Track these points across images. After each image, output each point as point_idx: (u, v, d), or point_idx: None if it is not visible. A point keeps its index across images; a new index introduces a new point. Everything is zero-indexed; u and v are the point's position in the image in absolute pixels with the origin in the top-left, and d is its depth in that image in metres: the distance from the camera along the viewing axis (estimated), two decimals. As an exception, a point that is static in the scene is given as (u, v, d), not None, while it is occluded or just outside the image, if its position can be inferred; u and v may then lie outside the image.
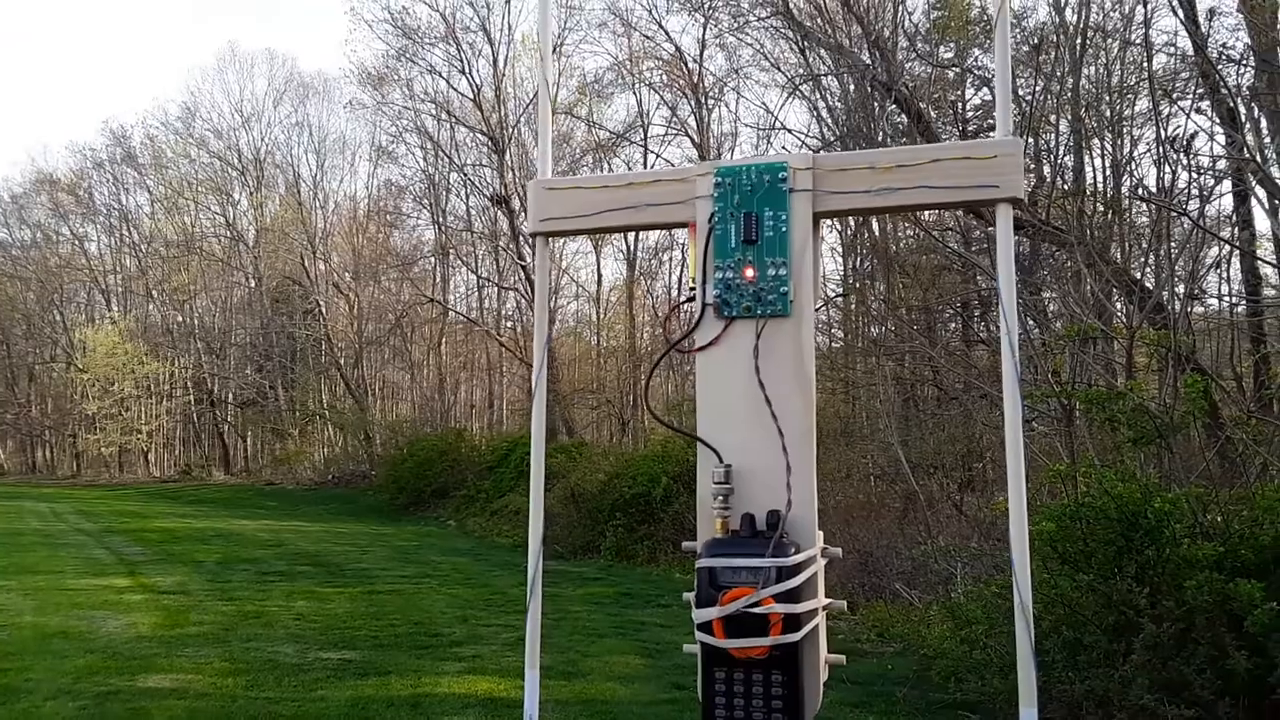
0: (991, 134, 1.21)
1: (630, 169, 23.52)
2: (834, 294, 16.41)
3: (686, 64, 20.79)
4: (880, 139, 12.21)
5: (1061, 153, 10.08)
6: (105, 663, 5.85)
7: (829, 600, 1.03)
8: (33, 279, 35.87)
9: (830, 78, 13.69)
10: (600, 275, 24.96)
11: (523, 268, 22.79)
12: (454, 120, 24.36)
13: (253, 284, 33.02)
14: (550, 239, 1.27)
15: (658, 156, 22.47)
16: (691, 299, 1.13)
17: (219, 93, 53.13)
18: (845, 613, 1.08)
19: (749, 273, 1.07)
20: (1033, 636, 0.99)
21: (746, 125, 28.04)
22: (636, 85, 22.21)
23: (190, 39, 58.41)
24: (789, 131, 19.26)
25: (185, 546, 12.28)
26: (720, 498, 1.05)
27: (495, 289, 26.06)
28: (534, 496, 1.25)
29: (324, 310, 29.74)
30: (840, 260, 17.20)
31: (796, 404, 1.06)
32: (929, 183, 1.07)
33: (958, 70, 13.84)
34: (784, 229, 1.08)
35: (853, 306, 15.55)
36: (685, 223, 1.14)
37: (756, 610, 0.95)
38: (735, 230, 1.09)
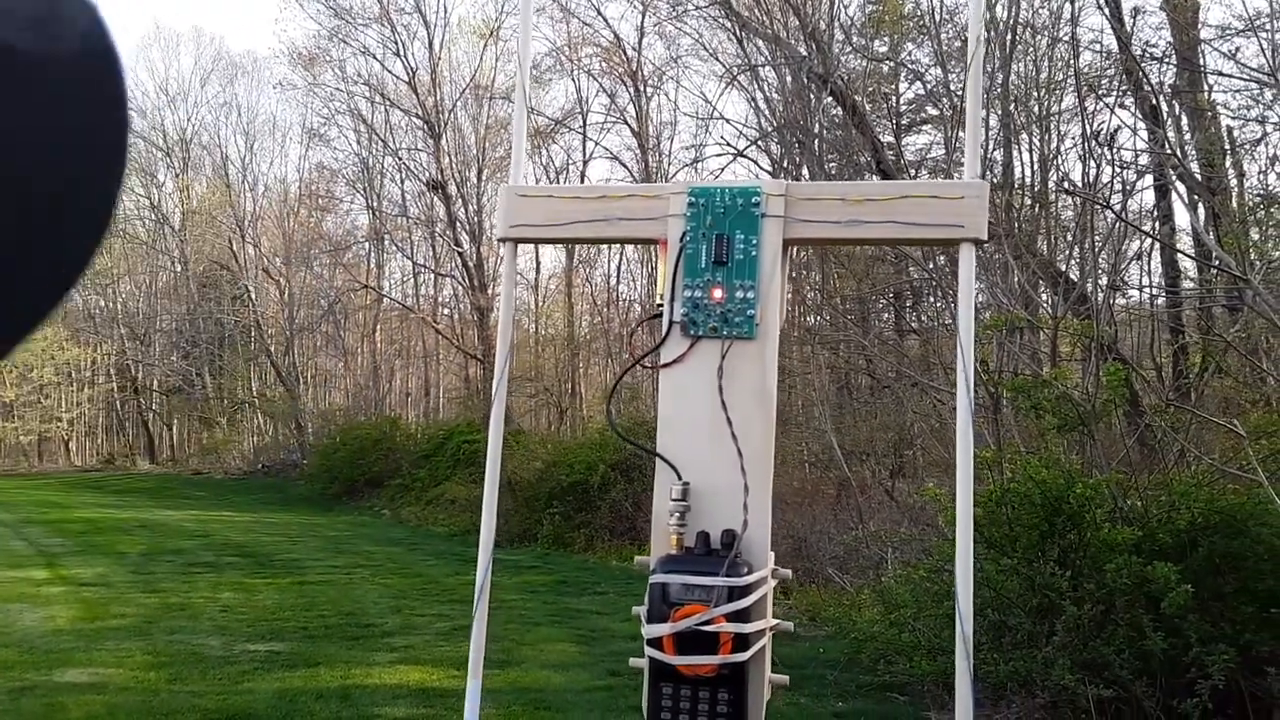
0: (957, 176, 1.22)
1: (569, 156, 23.42)
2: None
3: (625, 52, 20.73)
4: (816, 130, 12.33)
5: (991, 147, 10.29)
6: (21, 657, 5.64)
7: (776, 621, 1.05)
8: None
9: (768, 69, 13.77)
10: (539, 263, 24.81)
11: (460, 254, 22.53)
12: (388, 103, 23.93)
13: (179, 268, 32.05)
14: (518, 246, 1.28)
15: (596, 144, 22.42)
16: (658, 315, 1.14)
17: (143, 71, 50.56)
18: (791, 634, 1.09)
19: (717, 293, 1.09)
20: (971, 658, 1.01)
21: (686, 114, 28.05)
22: (575, 72, 22.07)
23: (112, 15, 56.36)
24: (727, 121, 19.41)
25: (107, 537, 11.89)
26: (677, 515, 1.06)
27: (432, 276, 25.72)
28: (487, 505, 1.22)
29: (253, 296, 29.01)
30: (777, 250, 17.36)
31: (757, 425, 1.08)
32: (896, 218, 1.10)
33: (892, 64, 14.03)
34: (754, 253, 1.10)
35: (789, 296, 15.71)
36: (656, 239, 1.15)
37: (708, 629, 0.96)
38: (706, 251, 1.10)
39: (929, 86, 13.33)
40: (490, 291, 22.66)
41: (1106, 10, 8.02)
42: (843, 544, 7.65)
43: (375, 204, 26.11)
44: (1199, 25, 8.15)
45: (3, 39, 0.21)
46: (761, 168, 17.67)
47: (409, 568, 9.87)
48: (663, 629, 0.97)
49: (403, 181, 25.55)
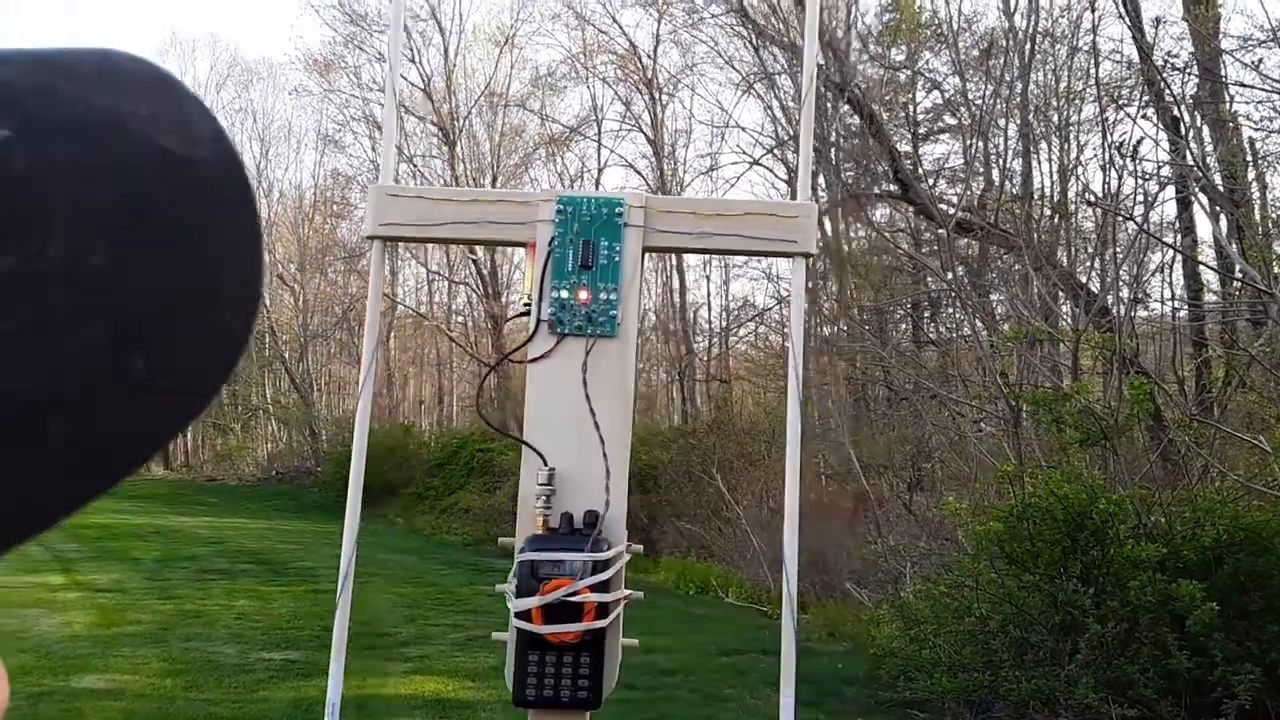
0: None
1: (584, 163, 23.45)
2: (786, 293, 16.52)
3: (640, 59, 20.77)
4: (833, 139, 12.30)
5: (1010, 157, 10.24)
6: (39, 662, 5.64)
7: (629, 592, 1.14)
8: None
9: (784, 76, 13.77)
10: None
11: (473, 262, 22.57)
12: (404, 110, 24.03)
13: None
14: (387, 244, 1.33)
15: (612, 151, 22.43)
16: (525, 314, 1.23)
17: (161, 78, 51.72)
18: (640, 600, 1.21)
19: (583, 295, 1.18)
20: (795, 620, 1.13)
21: (701, 122, 28.10)
22: (590, 79, 22.12)
23: (130, 22, 56.93)
24: (743, 130, 19.40)
25: (122, 543, 11.92)
26: (543, 498, 1.15)
27: (446, 283, 25.78)
28: (351, 498, 1.34)
29: (267, 302, 29.14)
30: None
31: (617, 416, 1.17)
32: (740, 232, 1.22)
33: (909, 73, 14.00)
34: (617, 258, 1.19)
35: (806, 306, 15.65)
36: (525, 243, 1.23)
37: (575, 599, 1.06)
38: (573, 255, 1.19)
39: (947, 95, 13.29)
40: (504, 300, 22.71)
41: (1127, 20, 7.97)
42: (860, 558, 7.59)
43: (390, 211, 26.18)
44: (1220, 36, 8.09)
45: (154, 140, 0.23)
46: (778, 176, 17.66)
47: (423, 577, 9.86)
48: (532, 601, 1.05)
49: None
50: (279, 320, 29.16)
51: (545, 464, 1.17)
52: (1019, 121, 9.78)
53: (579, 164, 23.57)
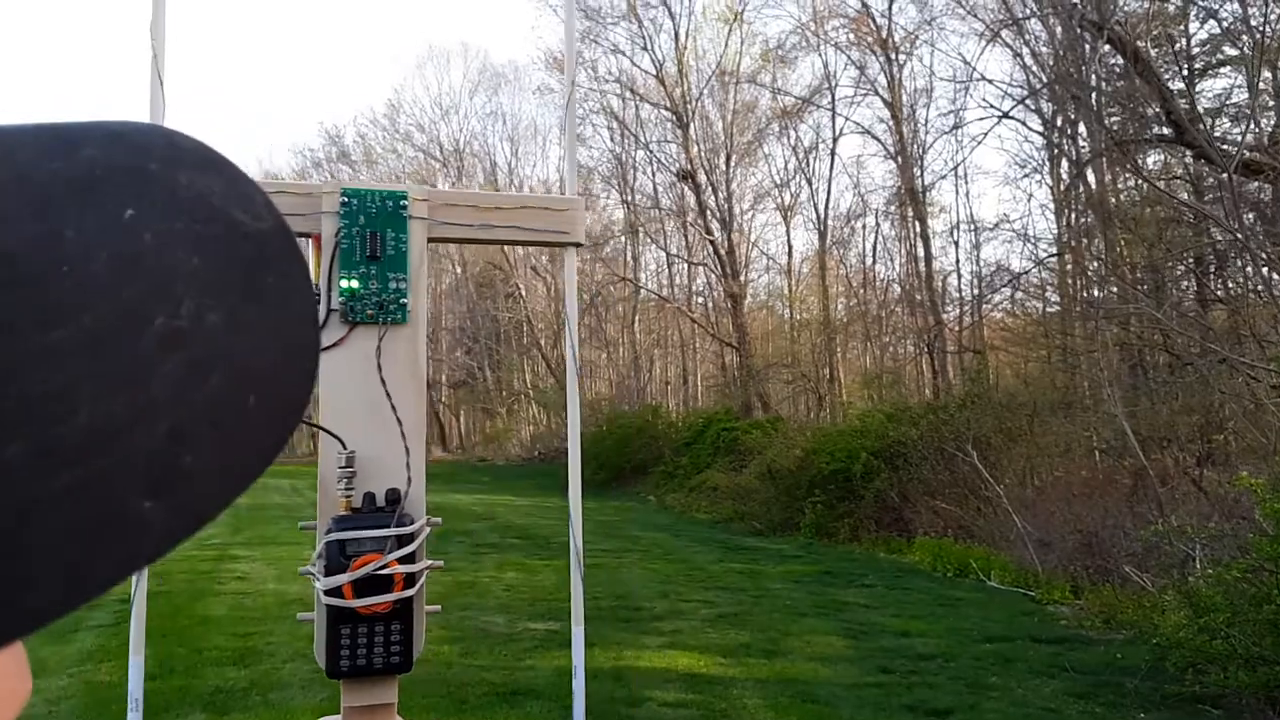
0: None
1: (818, 134, 22.95)
2: (1046, 254, 15.35)
3: (874, 20, 19.97)
4: (1094, 83, 11.23)
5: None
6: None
7: (430, 561, 1.19)
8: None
9: (1034, 20, 12.73)
10: (790, 246, 24.55)
11: (711, 242, 22.75)
12: (638, 98, 24.59)
13: (459, 271, 34.83)
14: None
15: (846, 119, 21.81)
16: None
17: (419, 88, 56.09)
18: (442, 570, 1.31)
19: (373, 285, 1.21)
20: (581, 566, 1.27)
21: (942, 79, 26.58)
22: (822, 46, 21.56)
23: (391, 39, 61.99)
24: (990, 82, 18.16)
25: (406, 520, 13.11)
26: (344, 480, 1.17)
27: (685, 265, 26.19)
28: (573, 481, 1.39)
29: (523, 293, 30.95)
30: (1052, 218, 16.06)
31: (412, 399, 1.21)
32: (518, 224, 1.31)
33: (1179, 2, 12.49)
34: (404, 249, 1.23)
35: (1068, 267, 14.46)
36: (309, 234, 1.24)
37: (384, 572, 1.11)
38: (360, 246, 1.22)
39: (1225, 24, 11.74)
40: (743, 279, 22.71)
41: None
42: (1140, 540, 6.93)
43: (629, 198, 26.95)
44: None
45: (232, 214, 0.27)
46: (1030, 128, 16.40)
47: (675, 553, 10.11)
48: (343, 578, 1.10)
49: (654, 174, 26.18)
50: (534, 309, 30.88)
51: (344, 447, 1.19)
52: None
53: (813, 134, 23.12)
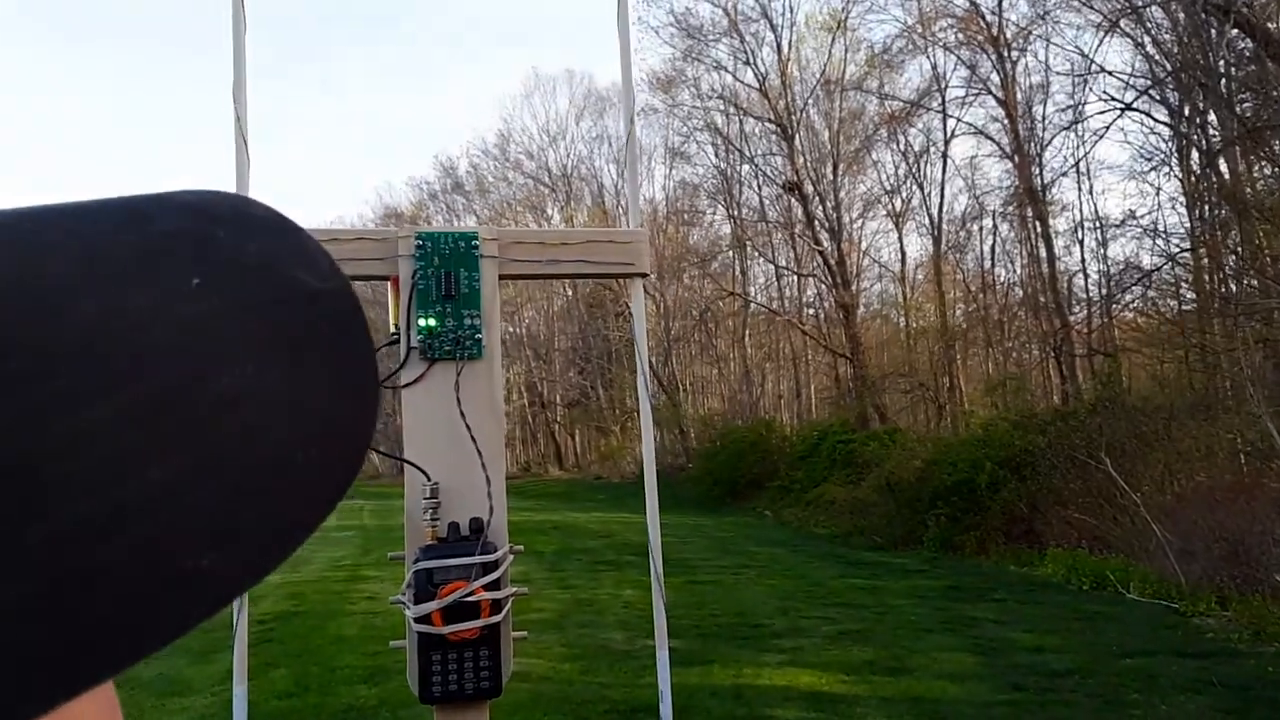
0: None
1: (929, 137, 22.40)
2: (1178, 250, 14.54)
3: (984, 17, 19.41)
4: (1222, 69, 10.63)
5: None
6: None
7: (515, 589, 1.22)
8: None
9: (1154, 8, 12.14)
10: (904, 253, 24.00)
11: (820, 253, 22.46)
12: (741, 113, 24.55)
13: (570, 292, 35.39)
14: None
15: (958, 120, 21.20)
16: (395, 342, 1.29)
17: (527, 117, 57.36)
18: (525, 595, 1.31)
19: (449, 322, 1.27)
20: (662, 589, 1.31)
21: (1059, 74, 25.58)
22: (930, 48, 21.08)
23: (498, 70, 63.84)
24: (1109, 74, 17.39)
25: (527, 538, 13.37)
26: (430, 511, 1.22)
27: (794, 277, 25.93)
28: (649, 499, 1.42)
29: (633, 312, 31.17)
30: (1183, 211, 15.21)
31: (491, 430, 1.26)
32: (585, 257, 1.35)
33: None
34: (477, 286, 1.28)
35: (1203, 262, 13.66)
36: (387, 277, 1.29)
37: (470, 599, 1.14)
38: (435, 286, 1.27)
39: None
40: (854, 288, 22.34)
41: None
42: (1295, 549, 6.47)
43: (735, 212, 26.90)
44: None
45: (297, 277, 0.29)
46: (1156, 119, 15.62)
47: (793, 569, 9.97)
48: (431, 605, 1.14)
49: (760, 187, 26.07)
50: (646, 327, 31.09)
51: (428, 479, 1.23)
52: None
53: (923, 138, 22.59)
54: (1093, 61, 17.36)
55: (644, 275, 1.40)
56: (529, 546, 12.40)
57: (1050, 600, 7.77)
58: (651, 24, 27.57)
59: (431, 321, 1.27)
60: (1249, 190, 12.20)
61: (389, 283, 1.32)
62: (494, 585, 1.18)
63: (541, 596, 8.37)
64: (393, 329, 1.31)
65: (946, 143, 21.59)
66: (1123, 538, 8.80)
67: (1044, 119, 19.35)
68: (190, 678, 5.72)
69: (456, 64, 65.89)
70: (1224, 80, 10.95)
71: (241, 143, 1.38)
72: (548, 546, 12.26)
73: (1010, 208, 20.50)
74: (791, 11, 28.59)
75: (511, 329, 37.81)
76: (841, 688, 5.28)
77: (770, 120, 23.34)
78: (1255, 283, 11.11)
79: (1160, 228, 15.40)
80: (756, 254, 27.53)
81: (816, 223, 22.57)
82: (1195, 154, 14.63)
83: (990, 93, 19.82)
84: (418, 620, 1.16)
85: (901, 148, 23.12)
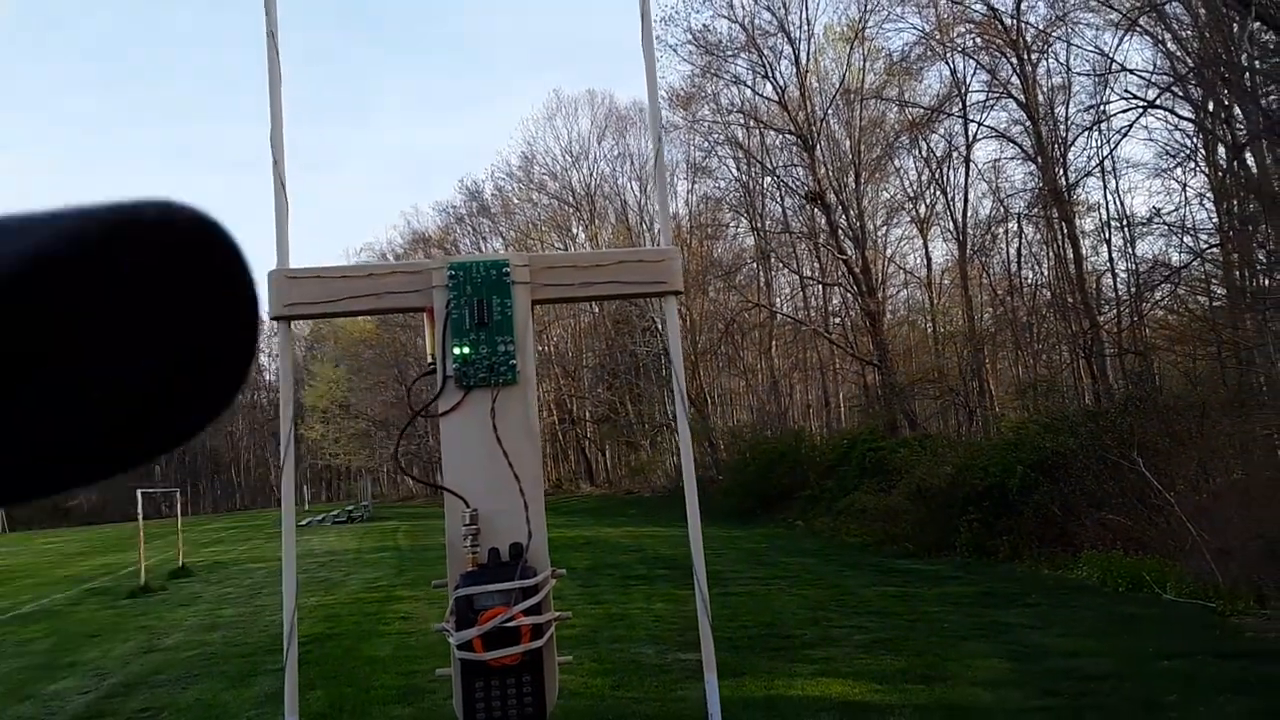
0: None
1: (950, 142, 22.29)
2: (1207, 246, 14.34)
3: (1002, 21, 19.32)
4: (1246, 63, 10.54)
5: None
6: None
7: (557, 613, 1.22)
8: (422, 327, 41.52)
9: (1174, 4, 12.07)
10: (929, 259, 23.88)
11: (844, 261, 22.40)
12: (762, 126, 24.59)
13: (596, 309, 35.50)
14: (292, 323, 1.40)
15: (979, 124, 21.09)
16: (431, 371, 1.30)
17: (550, 138, 57.86)
18: (568, 621, 1.28)
19: (483, 350, 1.28)
20: (708, 609, 1.26)
21: (1080, 75, 25.37)
22: (949, 54, 21.02)
23: (521, 95, 64.39)
24: (1131, 73, 17.26)
25: (559, 554, 13.12)
26: (470, 538, 1.22)
27: (819, 287, 25.86)
28: (286, 561, 1.36)
29: (659, 326, 31.22)
30: (1211, 207, 15.02)
31: (528, 455, 1.27)
32: (619, 279, 1.36)
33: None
34: (509, 313, 1.29)
35: (1232, 257, 13.49)
36: (422, 308, 1.31)
37: (510, 624, 1.14)
38: (469, 315, 1.29)
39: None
40: (880, 296, 22.23)
41: None
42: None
43: (759, 224, 26.91)
44: None
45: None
46: (1180, 116, 15.48)
47: (824, 579, 9.93)
48: (472, 632, 1.14)
49: (782, 199, 26.07)
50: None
51: (467, 506, 1.22)
52: None
53: (945, 144, 22.50)
54: (1113, 60, 17.23)
55: (678, 293, 1.41)
56: (563, 563, 12.50)
57: (1085, 603, 7.69)
58: (670, 42, 27.61)
59: (466, 349, 1.28)
60: (1277, 184, 12.05)
61: (425, 313, 1.34)
62: (534, 610, 1.18)
63: (574, 612, 8.36)
64: (429, 359, 1.33)
65: (969, 147, 21.50)
66: (1158, 538, 8.69)
67: (1066, 120, 19.23)
68: (227, 701, 5.81)
69: (482, 92, 66.53)
70: (1247, 74, 10.84)
71: (279, 185, 1.44)
72: (580, 562, 12.28)
73: (1035, 210, 20.35)
74: (809, 24, 28.59)
75: (540, 347, 37.92)
76: (874, 697, 5.26)
77: (791, 132, 23.36)
78: (1286, 277, 10.96)
79: (1188, 224, 15.24)
80: (781, 265, 27.52)
81: (840, 231, 22.52)
82: (1221, 149, 14.47)
83: (1011, 96, 19.71)
84: (460, 647, 1.17)
85: (923, 154, 23.05)
